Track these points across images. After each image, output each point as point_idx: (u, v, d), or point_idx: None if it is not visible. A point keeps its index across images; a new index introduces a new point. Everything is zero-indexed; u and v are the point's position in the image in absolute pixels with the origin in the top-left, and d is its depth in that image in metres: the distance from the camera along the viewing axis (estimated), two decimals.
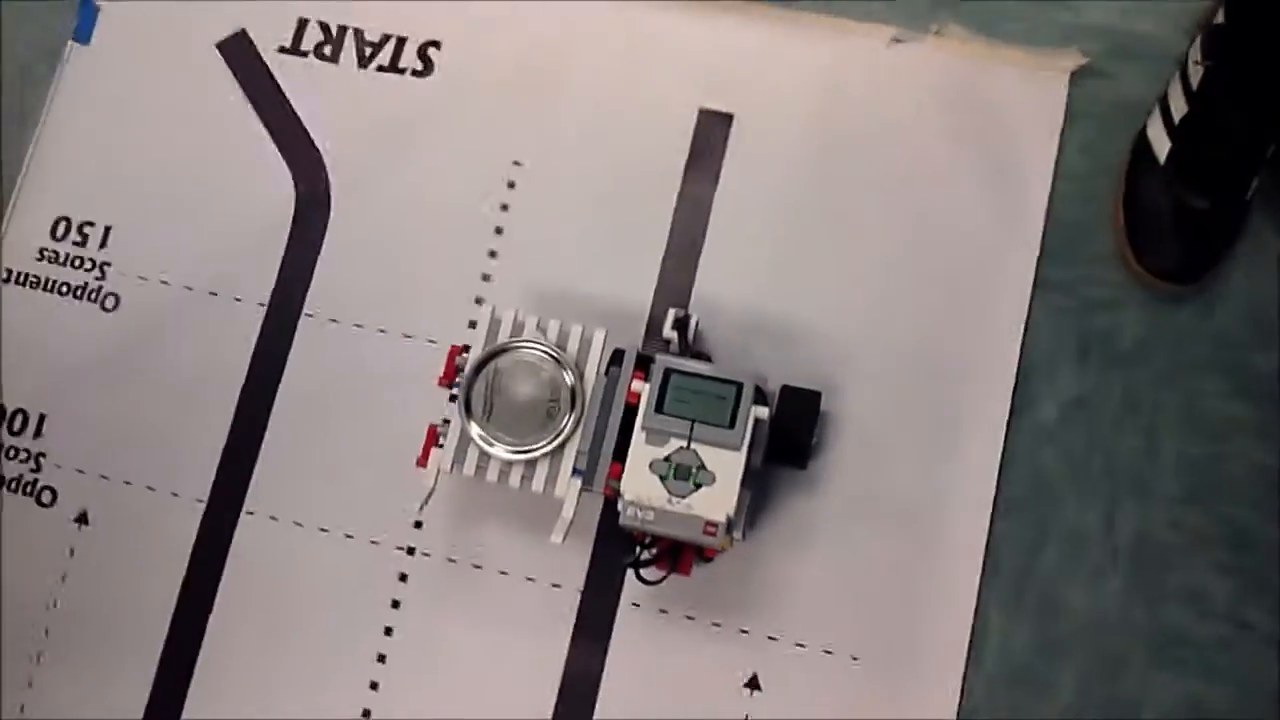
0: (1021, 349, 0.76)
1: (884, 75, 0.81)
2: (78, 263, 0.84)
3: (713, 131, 0.80)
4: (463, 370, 0.70)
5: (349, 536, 0.77)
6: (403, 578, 0.77)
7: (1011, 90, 0.80)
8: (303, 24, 0.86)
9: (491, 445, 0.68)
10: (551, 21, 0.84)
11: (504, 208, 0.82)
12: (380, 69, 0.85)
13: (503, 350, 0.69)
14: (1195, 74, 0.72)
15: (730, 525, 0.65)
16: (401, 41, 0.85)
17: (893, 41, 0.82)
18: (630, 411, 0.68)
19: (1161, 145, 0.74)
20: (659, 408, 0.67)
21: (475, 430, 0.68)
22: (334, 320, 0.81)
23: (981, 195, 0.79)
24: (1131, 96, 0.79)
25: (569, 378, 0.68)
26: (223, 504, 0.79)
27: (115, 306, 0.83)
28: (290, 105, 0.85)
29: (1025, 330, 0.76)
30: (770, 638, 0.74)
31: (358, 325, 0.81)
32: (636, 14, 0.83)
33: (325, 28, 0.86)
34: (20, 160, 0.86)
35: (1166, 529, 0.73)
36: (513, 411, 0.68)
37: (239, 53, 0.86)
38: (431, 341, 0.80)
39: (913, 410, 0.76)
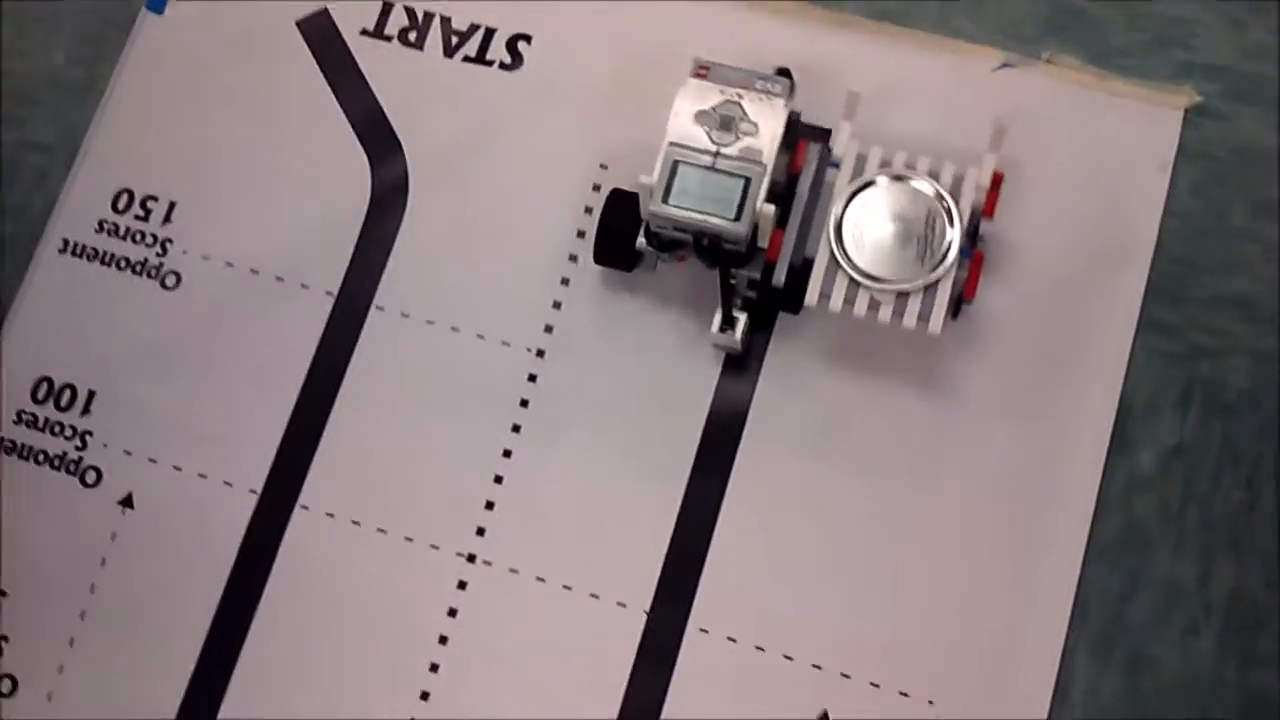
0: (1122, 390, 0.80)
1: (992, 98, 0.86)
2: (138, 237, 0.88)
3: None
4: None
5: (408, 539, 0.81)
6: (461, 585, 0.80)
7: (1122, 123, 0.85)
8: (387, 7, 0.91)
9: (863, 278, 0.72)
10: (652, 24, 0.89)
11: (587, 210, 0.86)
12: (467, 59, 0.90)
13: (872, 181, 0.74)
14: None
15: None
16: (490, 32, 0.90)
17: (1002, 66, 0.86)
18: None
19: None
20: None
21: (845, 261, 0.72)
22: (405, 315, 0.85)
23: (1089, 225, 0.83)
24: (1248, 141, 0.84)
25: (948, 211, 0.72)
26: (277, 497, 0.83)
27: (176, 285, 0.87)
28: (371, 90, 0.90)
29: (1127, 370, 0.80)
30: (844, 675, 0.77)
31: (429, 322, 0.85)
32: (747, 22, 0.88)
33: (411, 13, 0.91)
34: (84, 130, 0.90)
35: (1263, 589, 0.77)
36: (884, 244, 0.73)
37: (320, 32, 0.91)
38: (505, 344, 0.84)
39: (1008, 446, 0.79)
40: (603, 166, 0.87)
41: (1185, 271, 0.82)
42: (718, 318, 0.79)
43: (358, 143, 0.89)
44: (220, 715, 0.79)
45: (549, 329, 0.84)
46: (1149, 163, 0.84)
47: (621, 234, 0.79)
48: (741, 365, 0.83)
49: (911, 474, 0.80)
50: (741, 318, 0.79)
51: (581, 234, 0.86)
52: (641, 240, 0.78)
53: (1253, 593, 0.77)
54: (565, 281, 0.85)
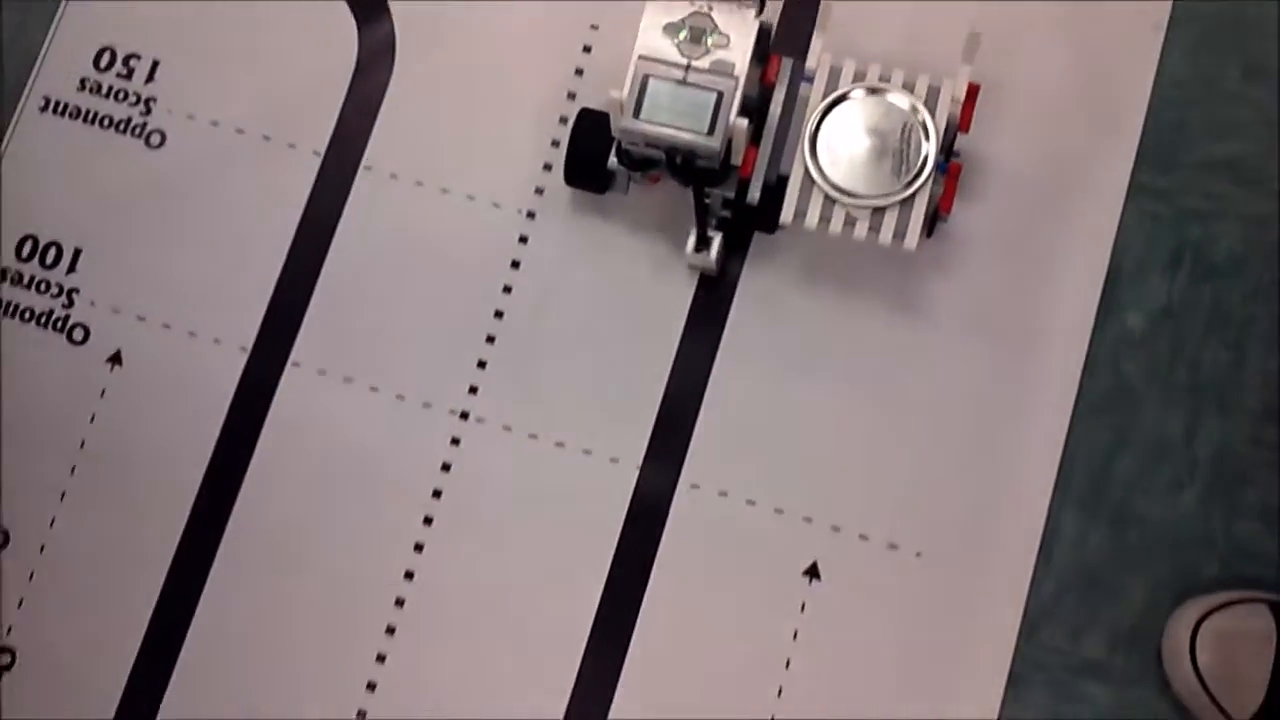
0: (1111, 254, 0.81)
1: None
2: (121, 96, 0.87)
3: (802, 18, 0.84)
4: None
5: (400, 397, 0.82)
6: (455, 441, 0.81)
7: None
8: None
9: (839, 194, 0.70)
10: None
11: (578, 72, 0.86)
12: None
13: (847, 95, 0.72)
14: None
15: None
16: None
17: None
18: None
19: None
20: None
21: (820, 177, 0.71)
22: (394, 176, 0.85)
23: (1080, 91, 0.84)
24: (1241, 4, 0.84)
25: (923, 124, 0.71)
26: (268, 354, 0.83)
27: (160, 144, 0.87)
28: None
29: (1116, 235, 0.81)
30: (834, 528, 0.78)
31: (419, 183, 0.85)
32: None
33: None
34: None
35: (1249, 445, 0.78)
36: (859, 159, 0.71)
37: None
38: (496, 205, 0.84)
39: (998, 308, 0.80)
40: (593, 27, 0.87)
41: (1177, 136, 0.83)
42: (692, 238, 0.79)
43: (344, 1, 0.88)
44: (213, 569, 0.80)
45: (540, 191, 0.85)
46: (1143, 23, 0.85)
47: (592, 155, 0.77)
48: (717, 283, 0.83)
49: (898, 355, 0.81)
50: (716, 238, 0.79)
51: (572, 96, 0.86)
52: (613, 160, 0.76)
53: (1239, 448, 0.79)
54: (555, 144, 0.85)
